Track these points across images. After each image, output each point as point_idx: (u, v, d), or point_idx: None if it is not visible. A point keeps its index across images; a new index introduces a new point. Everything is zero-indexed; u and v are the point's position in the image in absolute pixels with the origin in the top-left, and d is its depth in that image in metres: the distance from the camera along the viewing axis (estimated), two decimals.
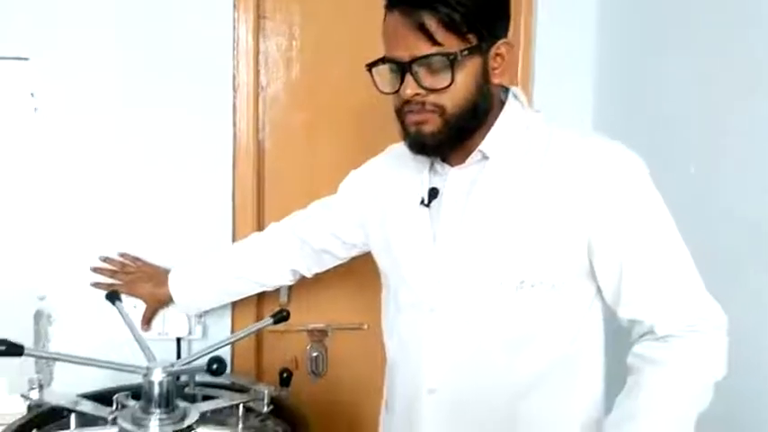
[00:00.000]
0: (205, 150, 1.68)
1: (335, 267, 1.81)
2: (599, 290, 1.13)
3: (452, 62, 1.01)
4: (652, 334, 1.07)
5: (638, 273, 1.07)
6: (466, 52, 1.02)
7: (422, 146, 1.09)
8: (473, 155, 1.12)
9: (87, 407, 1.21)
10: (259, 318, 1.72)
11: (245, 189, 1.72)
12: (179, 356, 1.62)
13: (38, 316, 1.63)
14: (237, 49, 1.68)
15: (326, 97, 1.78)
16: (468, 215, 1.11)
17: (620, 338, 1.16)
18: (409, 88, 1.03)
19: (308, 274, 1.52)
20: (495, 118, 1.11)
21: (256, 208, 1.74)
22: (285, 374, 1.34)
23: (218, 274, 1.51)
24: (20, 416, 1.22)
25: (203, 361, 1.03)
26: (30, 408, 1.24)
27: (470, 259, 1.12)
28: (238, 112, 1.70)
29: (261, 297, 1.77)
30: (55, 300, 1.64)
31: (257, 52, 1.71)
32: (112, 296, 1.32)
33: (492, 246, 1.10)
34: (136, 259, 1.62)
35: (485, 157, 1.11)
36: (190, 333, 1.63)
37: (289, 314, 1.31)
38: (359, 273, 1.83)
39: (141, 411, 1.13)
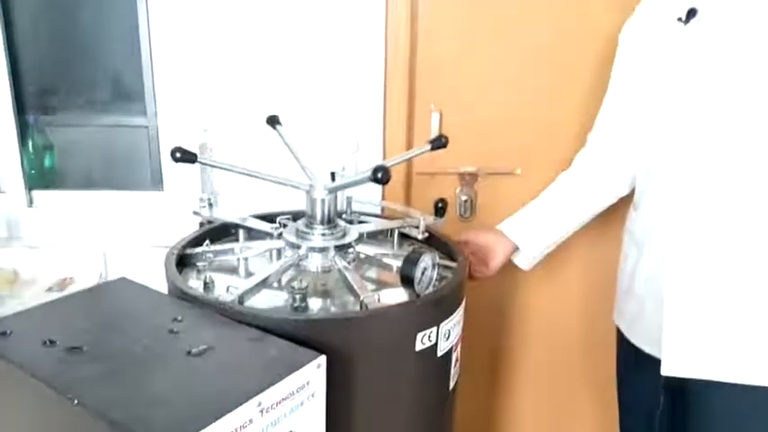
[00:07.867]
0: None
1: (490, 113, 1.74)
2: None
3: None
4: None
5: None
6: None
7: None
8: None
9: (254, 223, 1.26)
10: None
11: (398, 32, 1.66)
12: None
13: (202, 148, 1.70)
14: None
15: None
16: (725, 35, 1.11)
17: None
18: None
19: None
20: None
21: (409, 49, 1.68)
22: (440, 204, 1.32)
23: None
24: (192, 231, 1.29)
25: (366, 174, 1.01)
26: (201, 224, 1.32)
27: (724, 82, 1.10)
28: None
29: (411, 133, 1.74)
30: (217, 132, 1.70)
31: None
32: (272, 120, 1.33)
33: (744, 70, 1.08)
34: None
35: None
36: (343, 169, 1.64)
37: (447, 140, 1.27)
38: (513, 118, 1.75)
39: (305, 226, 1.16)
